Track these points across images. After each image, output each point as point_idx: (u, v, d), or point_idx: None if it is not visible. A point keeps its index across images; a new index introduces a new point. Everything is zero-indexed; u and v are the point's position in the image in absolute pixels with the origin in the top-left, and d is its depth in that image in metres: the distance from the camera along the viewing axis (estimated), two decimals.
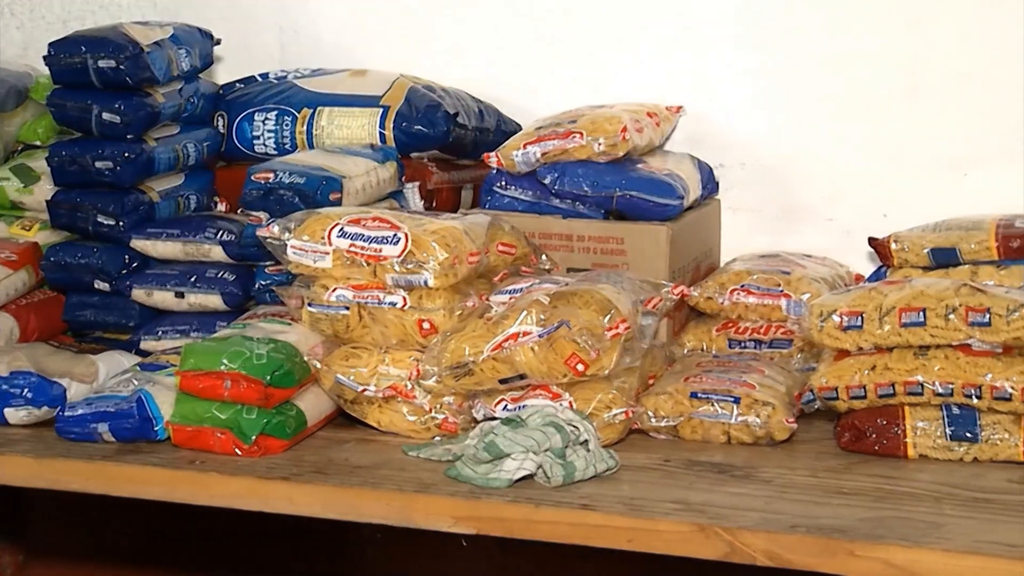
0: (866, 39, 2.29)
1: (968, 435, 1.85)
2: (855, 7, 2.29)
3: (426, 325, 1.97)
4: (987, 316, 1.83)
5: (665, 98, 2.38)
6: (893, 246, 2.13)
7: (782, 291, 2.16)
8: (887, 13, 2.27)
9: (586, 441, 1.84)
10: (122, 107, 2.19)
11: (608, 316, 1.93)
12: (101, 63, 2.18)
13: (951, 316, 1.85)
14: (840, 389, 1.89)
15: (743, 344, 2.16)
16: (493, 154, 2.24)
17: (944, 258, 2.09)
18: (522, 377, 1.92)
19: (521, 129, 2.35)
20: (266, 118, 2.37)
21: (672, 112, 2.38)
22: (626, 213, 2.20)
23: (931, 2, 2.25)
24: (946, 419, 1.86)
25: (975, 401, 1.84)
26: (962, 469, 1.83)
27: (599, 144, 2.19)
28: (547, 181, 2.21)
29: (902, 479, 1.80)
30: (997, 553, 1.56)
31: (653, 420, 1.96)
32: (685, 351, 2.19)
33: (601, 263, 2.18)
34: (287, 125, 2.35)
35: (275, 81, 2.44)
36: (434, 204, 2.35)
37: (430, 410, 1.97)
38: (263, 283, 2.20)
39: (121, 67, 2.18)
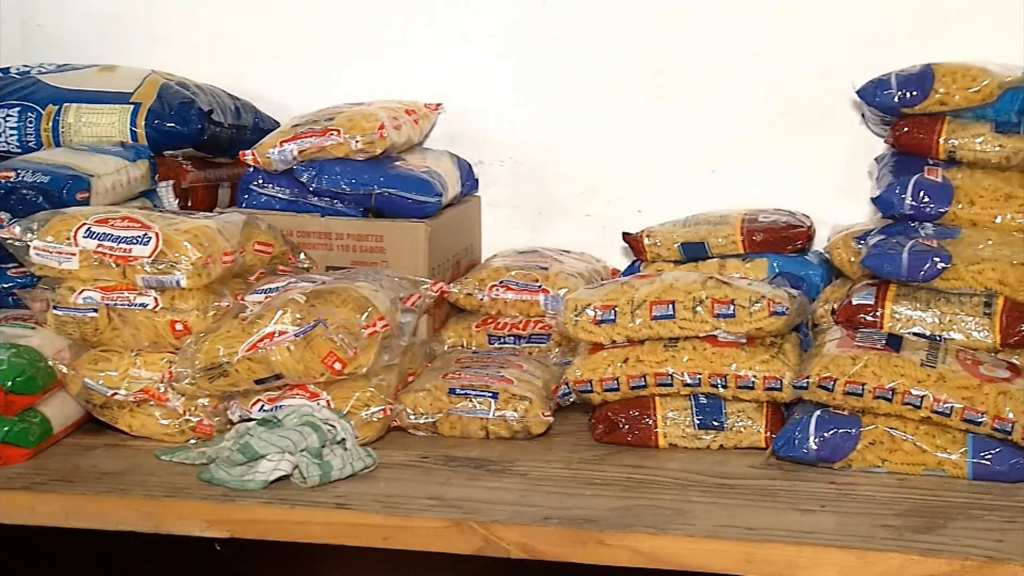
0: (616, 39, 2.34)
1: (715, 423, 1.91)
2: (605, 7, 2.34)
3: (179, 326, 1.93)
4: (731, 308, 1.90)
5: (424, 96, 2.38)
6: (646, 241, 2.18)
7: (540, 287, 2.19)
8: (635, 13, 2.32)
9: (343, 440, 1.83)
10: None
11: (365, 314, 1.93)
12: None
13: (698, 308, 1.91)
14: (594, 382, 1.93)
15: (502, 340, 2.19)
16: (249, 152, 2.21)
17: (694, 252, 2.16)
18: (278, 377, 1.90)
19: (279, 126, 2.32)
20: (8, 115, 2.27)
21: (431, 110, 2.38)
22: (385, 211, 2.20)
23: (678, 3, 2.31)
24: (694, 409, 1.92)
25: (721, 390, 1.90)
26: (708, 456, 1.89)
27: (356, 142, 2.18)
28: (304, 179, 2.19)
29: (652, 468, 1.85)
30: (736, 536, 1.62)
31: (412, 417, 1.96)
32: (445, 347, 2.20)
33: (360, 261, 2.17)
34: (31, 122, 2.26)
35: (17, 76, 2.34)
36: (189, 203, 2.30)
37: (184, 413, 1.93)
38: (5, 286, 2.12)
39: None
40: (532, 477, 1.82)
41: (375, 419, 1.92)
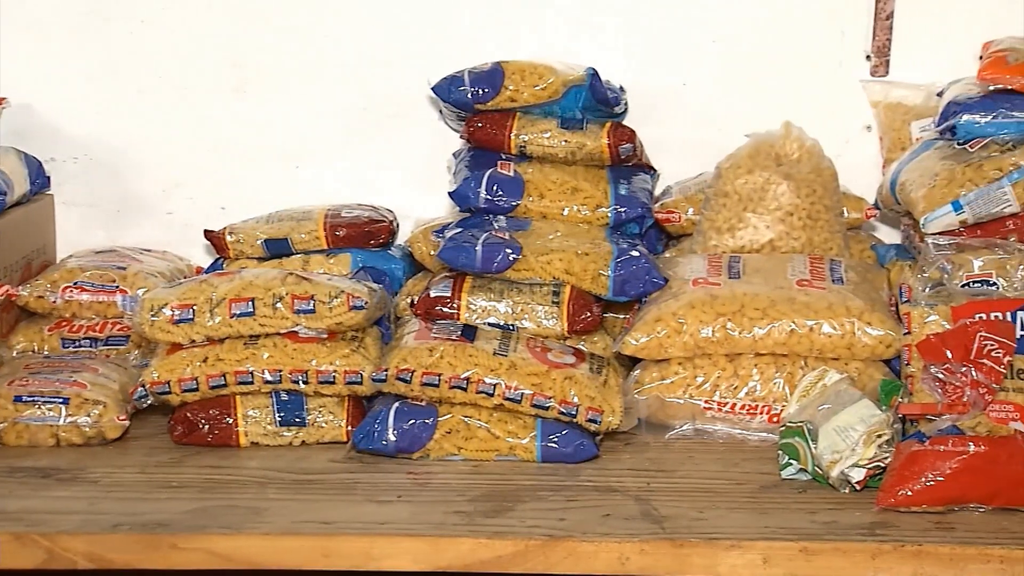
0: (192, 32, 2.29)
1: (296, 419, 1.91)
2: (184, 3, 2.29)
3: None
4: (311, 303, 1.90)
5: None
6: (228, 238, 2.15)
7: (117, 287, 2.12)
8: (212, 6, 2.28)
9: None
10: None
11: None
12: None
13: (278, 305, 1.89)
14: (172, 383, 1.88)
15: (78, 343, 2.10)
16: None
17: (278, 248, 2.14)
18: None
19: None
20: None
21: None
22: None
23: (256, 2, 2.29)
24: (276, 406, 1.90)
25: (302, 386, 1.89)
26: (290, 453, 1.88)
27: None
28: None
29: (231, 468, 1.82)
30: (312, 531, 1.62)
31: None
32: (15, 353, 2.09)
33: None
34: None
35: None
36: None
37: None
38: None
39: None
40: (104, 484, 1.76)
41: None
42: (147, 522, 1.63)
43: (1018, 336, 1.74)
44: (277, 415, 1.90)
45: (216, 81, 2.30)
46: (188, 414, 1.90)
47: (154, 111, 2.31)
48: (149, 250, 2.28)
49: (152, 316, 1.90)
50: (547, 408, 1.83)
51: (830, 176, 2.08)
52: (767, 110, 2.17)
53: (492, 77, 2.09)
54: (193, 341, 1.90)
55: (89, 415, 1.88)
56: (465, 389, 1.83)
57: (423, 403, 1.85)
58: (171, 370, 1.89)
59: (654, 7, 2.25)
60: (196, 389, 1.88)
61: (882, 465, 1.70)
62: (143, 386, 1.89)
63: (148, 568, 1.62)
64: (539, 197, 2.06)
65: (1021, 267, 1.84)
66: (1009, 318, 1.75)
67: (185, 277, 2.21)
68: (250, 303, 1.89)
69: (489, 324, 1.94)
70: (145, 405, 1.91)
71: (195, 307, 1.90)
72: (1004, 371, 1.71)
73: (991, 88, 1.96)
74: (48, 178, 2.29)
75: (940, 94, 2.07)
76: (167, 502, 1.70)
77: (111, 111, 2.31)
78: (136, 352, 2.08)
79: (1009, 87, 1.95)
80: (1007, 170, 1.89)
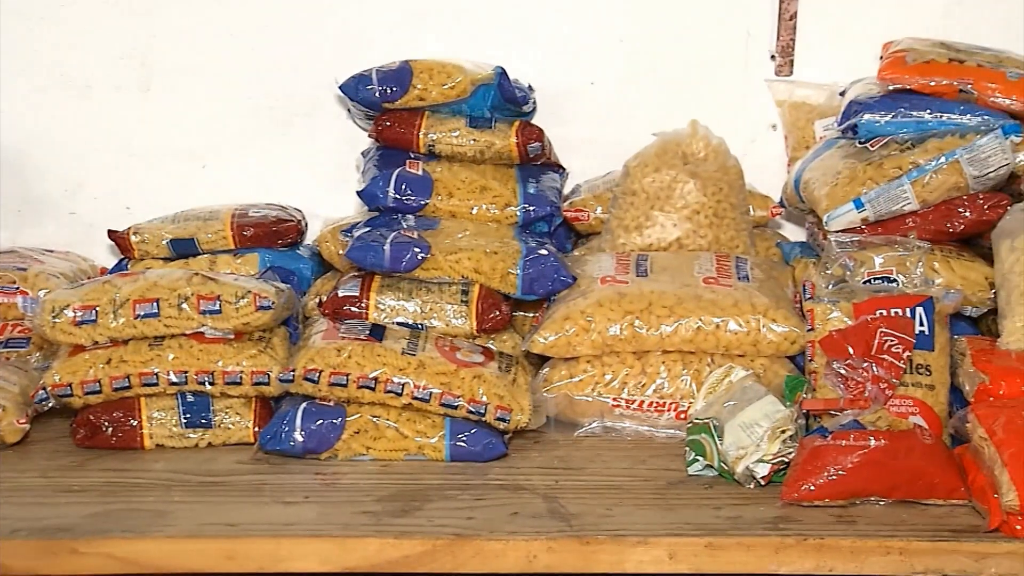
0: (93, 29, 2.25)
1: (203, 421, 1.88)
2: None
3: None
4: (218, 304, 1.88)
5: None
6: (133, 238, 2.12)
7: (18, 288, 2.09)
8: (118, 5, 2.25)
9: None
10: None
11: None
12: None
13: (184, 305, 1.87)
14: (75, 385, 1.86)
15: None
16: None
17: (184, 248, 2.12)
18: None
19: None
20: None
21: None
22: None
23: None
24: (181, 407, 1.88)
25: (208, 388, 1.87)
26: (196, 455, 1.86)
27: None
28: None
29: (136, 471, 1.80)
30: (217, 534, 1.61)
31: None
32: None
33: None
34: None
35: None
36: None
37: None
38: None
39: None
40: (3, 489, 1.73)
41: None
42: (47, 527, 1.61)
43: (917, 332, 1.77)
44: (183, 417, 1.88)
45: (120, 79, 2.27)
46: (91, 416, 1.87)
47: (56, 109, 2.27)
48: (51, 251, 2.25)
49: (54, 317, 1.87)
50: (456, 407, 1.83)
51: (736, 174, 2.10)
52: (674, 109, 2.19)
53: (400, 76, 2.08)
54: (96, 343, 1.87)
55: None
56: (373, 389, 1.82)
57: (331, 403, 1.84)
58: (73, 372, 1.86)
59: (562, 6, 2.26)
60: (99, 391, 1.86)
61: (786, 460, 1.72)
62: (44, 388, 1.86)
63: (47, 575, 1.59)
64: (448, 196, 2.06)
65: (920, 264, 1.88)
66: (908, 314, 1.78)
67: (88, 278, 2.18)
68: (155, 304, 1.87)
69: (398, 323, 1.94)
70: (46, 408, 1.88)
71: (98, 308, 1.87)
72: (903, 366, 1.74)
73: (891, 88, 2.00)
74: None
75: (842, 93, 2.10)
76: (68, 506, 1.67)
77: (10, 109, 2.27)
78: (37, 354, 2.05)
79: (908, 87, 1.99)
80: (907, 168, 1.93)
